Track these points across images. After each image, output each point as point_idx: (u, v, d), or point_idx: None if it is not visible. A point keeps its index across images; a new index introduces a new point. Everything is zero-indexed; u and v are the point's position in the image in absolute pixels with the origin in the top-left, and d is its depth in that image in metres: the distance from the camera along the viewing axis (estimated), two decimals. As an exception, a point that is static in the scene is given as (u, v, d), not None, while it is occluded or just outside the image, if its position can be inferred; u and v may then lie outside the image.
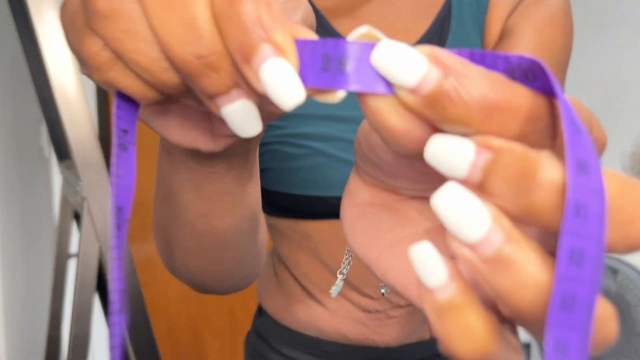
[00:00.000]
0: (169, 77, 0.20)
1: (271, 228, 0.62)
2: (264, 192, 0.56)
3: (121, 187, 0.20)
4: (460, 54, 0.17)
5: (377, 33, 0.18)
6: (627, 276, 2.31)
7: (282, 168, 0.55)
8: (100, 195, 0.84)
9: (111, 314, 0.19)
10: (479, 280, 0.16)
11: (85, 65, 0.21)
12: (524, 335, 2.85)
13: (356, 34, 0.18)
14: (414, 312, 0.60)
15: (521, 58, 0.17)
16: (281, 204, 0.56)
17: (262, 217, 0.43)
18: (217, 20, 0.19)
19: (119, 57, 0.20)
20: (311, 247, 0.58)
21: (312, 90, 0.18)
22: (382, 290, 0.50)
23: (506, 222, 0.16)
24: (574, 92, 2.88)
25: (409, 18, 0.57)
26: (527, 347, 2.86)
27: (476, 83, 0.16)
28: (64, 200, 1.22)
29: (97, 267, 0.86)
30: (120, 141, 0.21)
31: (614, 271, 2.31)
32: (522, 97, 0.16)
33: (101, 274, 0.88)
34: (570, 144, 0.15)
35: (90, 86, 1.70)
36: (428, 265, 0.16)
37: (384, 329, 0.60)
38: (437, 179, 0.21)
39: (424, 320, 0.60)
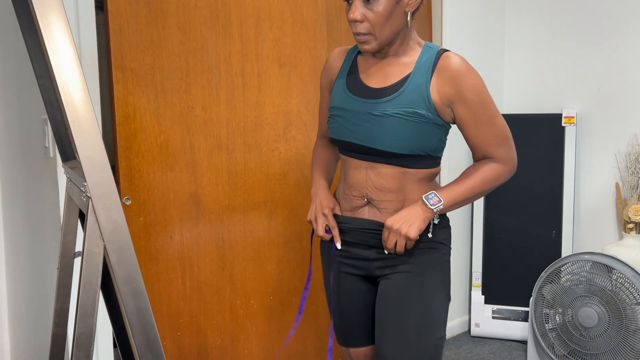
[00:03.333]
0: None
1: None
2: (334, 140, 1.47)
3: None
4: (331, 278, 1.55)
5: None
6: (622, 274, 2.31)
7: (336, 126, 1.45)
8: (104, 195, 0.85)
9: None
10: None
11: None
12: (520, 332, 2.86)
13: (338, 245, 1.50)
14: (359, 204, 1.46)
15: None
16: (338, 144, 1.47)
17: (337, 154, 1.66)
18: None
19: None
20: (344, 170, 1.50)
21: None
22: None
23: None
24: (572, 93, 2.89)
25: (393, 75, 1.40)
26: (523, 343, 2.86)
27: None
28: (69, 200, 1.24)
29: (102, 266, 0.87)
30: None
31: (610, 270, 2.32)
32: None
33: (106, 272, 0.90)
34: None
35: (95, 87, 1.71)
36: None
37: (348, 206, 1.50)
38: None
39: (363, 207, 1.46)
